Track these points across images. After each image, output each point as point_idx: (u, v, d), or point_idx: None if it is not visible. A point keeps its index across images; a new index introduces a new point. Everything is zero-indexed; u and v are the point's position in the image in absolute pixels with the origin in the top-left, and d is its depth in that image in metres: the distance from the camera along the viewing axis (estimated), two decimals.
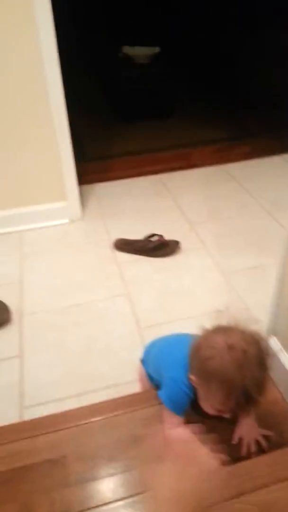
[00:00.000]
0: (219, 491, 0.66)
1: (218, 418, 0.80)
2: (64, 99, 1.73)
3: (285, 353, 1.01)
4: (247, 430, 0.90)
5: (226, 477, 0.69)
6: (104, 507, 0.83)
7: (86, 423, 0.99)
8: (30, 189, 1.92)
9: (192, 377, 0.82)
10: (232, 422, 0.91)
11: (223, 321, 0.80)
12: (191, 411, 0.89)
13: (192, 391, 0.85)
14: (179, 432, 0.89)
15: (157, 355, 1.01)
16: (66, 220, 2.00)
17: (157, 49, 3.02)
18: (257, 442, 0.90)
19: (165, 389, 0.91)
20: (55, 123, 1.78)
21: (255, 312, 1.36)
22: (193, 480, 0.81)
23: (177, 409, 0.89)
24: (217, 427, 0.87)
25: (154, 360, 1.02)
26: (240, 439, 0.90)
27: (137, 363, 1.12)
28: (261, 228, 1.90)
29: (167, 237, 1.78)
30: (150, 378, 1.04)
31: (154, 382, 1.03)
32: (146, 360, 1.07)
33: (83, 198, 2.11)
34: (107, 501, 0.84)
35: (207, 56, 3.46)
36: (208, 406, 0.81)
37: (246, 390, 0.72)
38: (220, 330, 0.80)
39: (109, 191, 2.24)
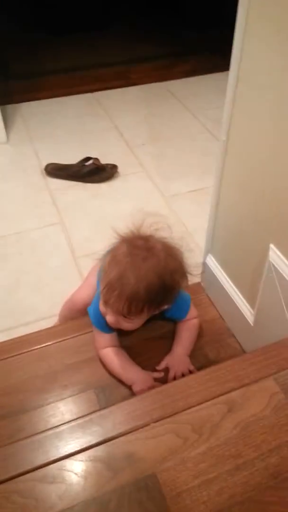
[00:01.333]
0: (149, 412, 0.61)
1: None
2: None
3: (221, 271, 0.97)
4: (176, 361, 0.86)
5: (157, 398, 0.65)
6: (36, 437, 0.77)
7: (13, 356, 0.91)
8: None
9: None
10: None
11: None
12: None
13: None
14: (107, 352, 0.86)
15: None
16: None
17: None
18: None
19: (92, 305, 0.86)
20: None
21: (197, 235, 1.30)
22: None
23: (100, 326, 0.84)
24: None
25: None
26: (167, 369, 0.86)
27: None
28: (203, 149, 1.79)
29: (103, 160, 1.64)
30: None
31: None
32: None
33: (7, 120, 1.87)
34: (38, 431, 0.78)
35: None
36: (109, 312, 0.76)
37: (138, 293, 0.69)
38: (135, 237, 0.77)
39: (38, 112, 2.00)
